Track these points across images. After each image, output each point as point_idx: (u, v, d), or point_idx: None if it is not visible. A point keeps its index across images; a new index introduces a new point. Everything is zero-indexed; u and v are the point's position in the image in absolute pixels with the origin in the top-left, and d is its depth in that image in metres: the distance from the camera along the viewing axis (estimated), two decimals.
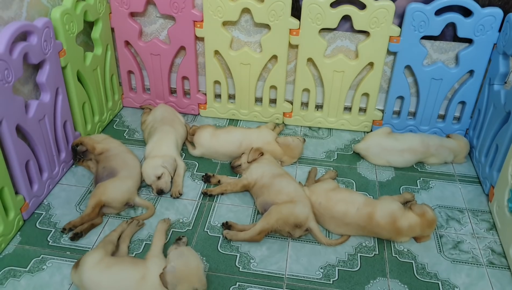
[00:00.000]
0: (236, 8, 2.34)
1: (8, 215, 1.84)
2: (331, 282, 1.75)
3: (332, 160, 2.42)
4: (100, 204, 1.93)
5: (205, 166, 2.33)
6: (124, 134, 2.56)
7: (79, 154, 2.25)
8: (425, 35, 2.29)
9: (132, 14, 2.52)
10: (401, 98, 2.53)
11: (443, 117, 2.58)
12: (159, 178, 2.10)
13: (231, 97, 2.74)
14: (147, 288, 1.54)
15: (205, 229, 1.96)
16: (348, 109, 2.66)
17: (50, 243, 1.86)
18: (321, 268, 1.80)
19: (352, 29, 2.38)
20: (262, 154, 2.21)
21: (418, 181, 2.28)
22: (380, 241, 1.92)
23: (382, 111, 2.61)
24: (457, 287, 1.74)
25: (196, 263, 1.55)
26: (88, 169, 2.25)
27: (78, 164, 2.27)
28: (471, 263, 1.84)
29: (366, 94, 2.55)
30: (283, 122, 2.70)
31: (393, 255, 1.86)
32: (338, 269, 1.80)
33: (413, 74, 2.44)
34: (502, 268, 1.83)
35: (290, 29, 2.35)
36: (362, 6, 2.26)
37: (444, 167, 2.39)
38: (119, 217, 2.00)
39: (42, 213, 2.00)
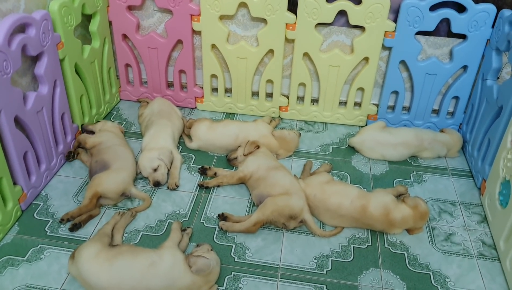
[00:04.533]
0: (233, 2, 2.36)
1: (6, 206, 1.86)
2: (325, 272, 1.78)
3: (327, 153, 2.45)
4: (96, 195, 1.95)
5: (202, 158, 2.36)
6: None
7: (72, 153, 2.27)
8: (420, 31, 2.32)
9: (130, 8, 2.54)
10: (396, 92, 2.56)
11: (437, 112, 2.62)
12: (155, 170, 2.12)
13: (228, 90, 2.76)
14: (157, 274, 1.57)
15: (201, 221, 1.98)
16: (343, 103, 2.69)
17: (48, 233, 1.89)
18: (315, 259, 1.83)
19: (348, 24, 2.40)
20: (258, 147, 2.23)
21: (411, 175, 2.31)
22: (373, 233, 1.95)
23: (377, 105, 2.63)
24: (448, 278, 1.78)
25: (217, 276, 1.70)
26: (83, 163, 2.27)
27: (71, 160, 2.28)
28: (462, 255, 1.88)
29: (361, 89, 2.58)
30: (279, 116, 2.73)
31: (386, 246, 1.90)
32: (332, 260, 1.83)
33: (407, 69, 2.46)
34: (492, 259, 1.86)
35: (286, 24, 2.38)
36: (358, 1, 2.28)
37: (437, 161, 2.42)
38: (116, 208, 2.02)
39: (40, 204, 2.03)
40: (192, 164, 2.32)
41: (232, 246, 1.87)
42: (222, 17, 2.47)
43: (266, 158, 2.17)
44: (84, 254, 1.62)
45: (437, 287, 1.74)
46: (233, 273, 1.76)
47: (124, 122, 2.63)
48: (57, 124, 2.16)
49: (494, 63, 2.23)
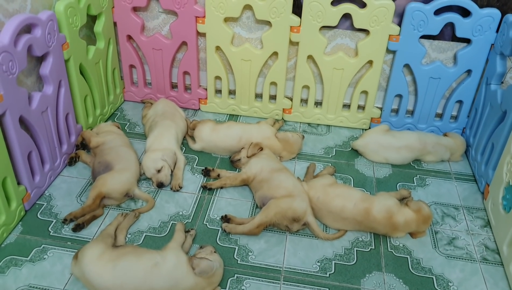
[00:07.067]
0: (237, 5, 2.36)
1: (10, 205, 1.86)
2: (328, 275, 1.78)
3: (330, 156, 2.45)
4: (100, 196, 1.96)
5: (205, 160, 2.36)
6: (125, 128, 2.58)
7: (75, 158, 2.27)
8: (424, 34, 2.32)
9: (135, 9, 2.54)
10: (400, 96, 2.55)
11: (440, 115, 2.62)
12: (159, 171, 2.13)
13: (232, 92, 2.76)
14: (160, 274, 1.57)
15: (204, 222, 1.99)
16: (347, 106, 2.69)
17: (51, 233, 1.89)
18: (318, 262, 1.83)
19: (352, 27, 2.40)
20: (261, 149, 2.23)
21: (414, 178, 2.31)
22: (376, 236, 1.95)
23: (381, 109, 2.63)
24: (451, 282, 1.77)
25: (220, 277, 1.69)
26: (86, 163, 2.27)
27: (73, 164, 2.27)
28: (465, 259, 1.88)
29: (365, 92, 2.58)
30: (282, 118, 2.73)
31: (389, 250, 1.90)
32: (335, 263, 1.83)
33: (411, 73, 2.46)
34: (495, 264, 1.86)
35: (291, 26, 2.38)
36: (363, 5, 2.28)
37: (441, 164, 2.42)
38: (119, 209, 2.02)
39: (44, 204, 2.03)
40: (196, 165, 2.32)
41: (235, 248, 1.87)
42: (226, 19, 2.47)
43: (269, 160, 2.17)
44: (87, 255, 1.62)
45: None
46: (236, 275, 1.76)
47: (128, 123, 2.64)
48: (61, 124, 2.16)
49: (498, 67, 2.23)
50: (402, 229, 1.90)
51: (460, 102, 2.53)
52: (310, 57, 2.48)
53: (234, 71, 2.60)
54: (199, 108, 2.80)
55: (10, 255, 1.78)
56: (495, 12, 2.19)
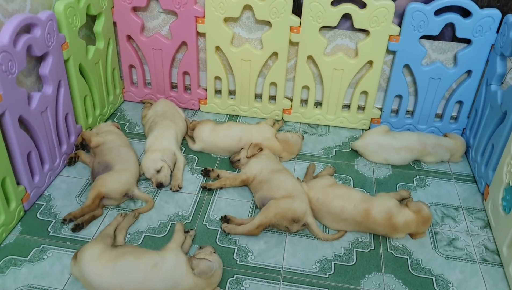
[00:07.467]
0: (237, 5, 2.36)
1: (9, 205, 1.86)
2: (327, 276, 1.77)
3: (330, 156, 2.45)
4: (100, 196, 1.96)
5: (205, 160, 2.36)
6: (125, 128, 2.58)
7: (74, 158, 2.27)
8: (424, 35, 2.32)
9: (135, 9, 2.54)
10: (400, 97, 2.55)
11: (440, 116, 2.62)
12: (158, 171, 2.12)
13: (232, 93, 2.76)
14: (160, 275, 1.57)
15: (204, 222, 1.98)
16: (347, 107, 2.69)
17: (50, 234, 1.89)
18: (318, 262, 1.83)
19: (352, 28, 2.40)
20: (261, 149, 2.23)
21: (414, 179, 2.31)
22: (376, 237, 1.95)
23: (381, 109, 2.63)
24: (450, 283, 1.77)
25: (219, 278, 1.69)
26: (85, 163, 2.26)
27: (72, 164, 2.26)
28: (465, 260, 1.88)
29: (365, 92, 2.57)
30: (282, 118, 2.73)
31: (389, 250, 1.89)
32: (334, 263, 1.83)
33: (411, 73, 2.46)
34: (495, 265, 1.86)
35: (291, 27, 2.38)
36: (363, 5, 2.28)
37: (441, 165, 2.42)
38: (119, 209, 2.02)
39: (43, 204, 2.03)
40: (195, 165, 2.32)
41: (234, 248, 1.87)
42: (226, 20, 2.47)
43: (269, 161, 2.17)
44: (86, 255, 1.62)
45: None
46: (235, 275, 1.76)
47: (128, 123, 2.63)
48: (60, 125, 2.16)
49: (498, 68, 2.23)
50: (402, 230, 1.90)
51: (460, 102, 2.53)
52: (310, 57, 2.48)
53: (234, 72, 2.60)
54: (199, 109, 2.79)
55: (9, 255, 1.78)
56: (495, 13, 2.19)
